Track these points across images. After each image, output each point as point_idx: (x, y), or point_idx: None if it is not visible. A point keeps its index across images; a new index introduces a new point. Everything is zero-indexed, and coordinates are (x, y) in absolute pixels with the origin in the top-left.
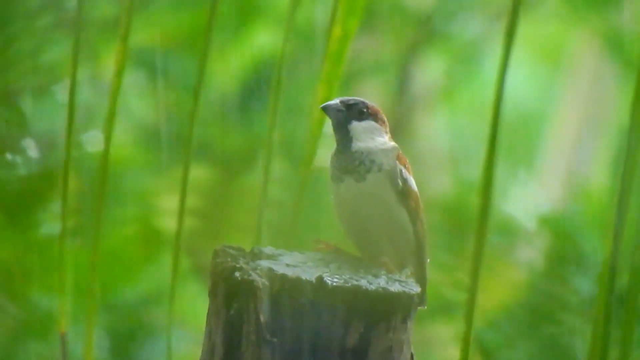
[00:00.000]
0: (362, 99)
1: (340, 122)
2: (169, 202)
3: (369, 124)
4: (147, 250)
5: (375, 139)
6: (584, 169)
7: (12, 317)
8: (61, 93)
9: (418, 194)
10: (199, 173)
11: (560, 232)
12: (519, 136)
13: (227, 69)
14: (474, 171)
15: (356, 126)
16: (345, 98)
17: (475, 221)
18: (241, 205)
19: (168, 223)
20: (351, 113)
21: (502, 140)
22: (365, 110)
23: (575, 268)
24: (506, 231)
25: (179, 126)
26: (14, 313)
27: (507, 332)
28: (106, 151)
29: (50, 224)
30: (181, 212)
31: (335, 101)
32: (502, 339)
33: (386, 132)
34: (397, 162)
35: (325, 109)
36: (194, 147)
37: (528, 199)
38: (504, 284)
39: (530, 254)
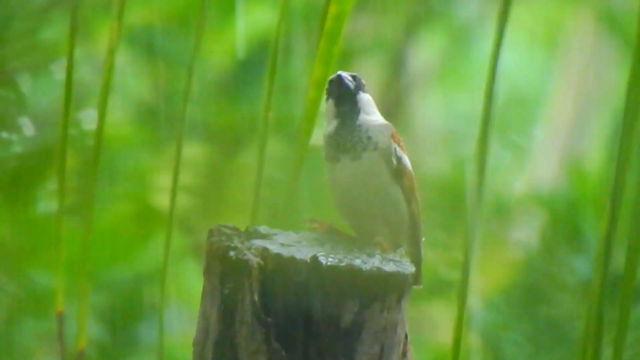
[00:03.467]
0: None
1: (351, 92)
2: (165, 180)
3: (369, 96)
4: (143, 229)
5: (375, 112)
6: (580, 148)
7: (9, 295)
8: (58, 71)
9: (412, 172)
10: (196, 151)
11: (556, 211)
12: (515, 116)
13: (225, 47)
14: (470, 150)
15: (362, 97)
16: (347, 72)
17: (470, 200)
18: (239, 183)
19: (165, 201)
20: (356, 84)
21: (498, 120)
22: (364, 83)
23: (572, 248)
24: (502, 211)
25: (175, 104)
26: (10, 291)
27: (505, 313)
28: (100, 129)
29: (47, 201)
30: (174, 191)
31: (345, 73)
32: (500, 320)
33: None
34: (392, 140)
35: (340, 78)
36: (193, 125)
37: (524, 179)
38: (502, 265)
39: (527, 234)
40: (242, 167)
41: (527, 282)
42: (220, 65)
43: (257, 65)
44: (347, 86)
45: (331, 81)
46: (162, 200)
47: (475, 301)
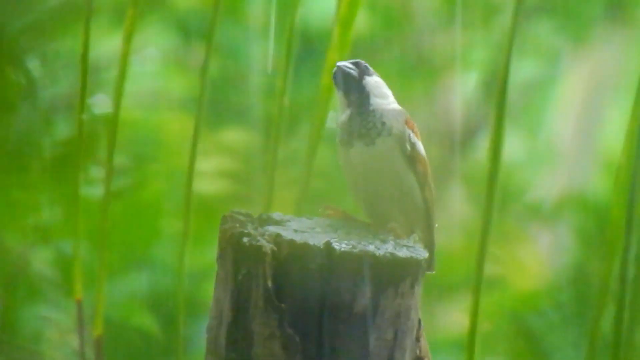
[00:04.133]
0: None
1: (355, 79)
2: (208, 165)
3: (377, 78)
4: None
5: (386, 93)
6: (596, 139)
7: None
8: (70, 56)
9: (426, 159)
10: (243, 137)
11: (590, 210)
12: (527, 105)
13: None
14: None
15: (369, 81)
16: (347, 61)
17: (485, 186)
18: (284, 171)
19: (206, 187)
20: (360, 70)
21: (509, 108)
22: (367, 66)
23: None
24: (539, 212)
25: (220, 90)
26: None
27: (550, 317)
28: (116, 114)
29: (94, 185)
30: (189, 178)
31: (344, 62)
32: (545, 324)
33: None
34: (406, 126)
35: (340, 68)
36: (242, 111)
37: (558, 177)
38: (543, 268)
39: (566, 235)
40: (289, 154)
41: (570, 285)
42: (270, 52)
43: (309, 55)
44: (349, 74)
45: (334, 74)
46: (204, 186)
47: (521, 305)
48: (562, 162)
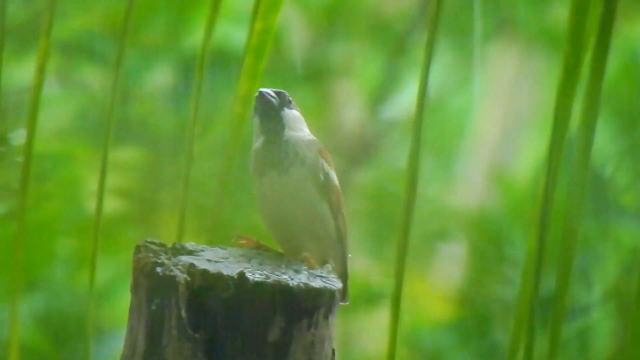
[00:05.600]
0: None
1: (275, 108)
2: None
3: (296, 113)
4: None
5: (302, 129)
6: (507, 164)
7: None
8: None
9: (339, 188)
10: (139, 155)
11: (487, 229)
12: (441, 132)
13: (169, 54)
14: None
15: (287, 113)
16: (270, 89)
17: (401, 211)
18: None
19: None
20: (281, 101)
21: (427, 134)
22: (290, 100)
23: (503, 267)
24: (443, 232)
25: (115, 110)
26: None
27: (452, 336)
28: (29, 144)
29: None
30: (101, 194)
31: (267, 89)
32: (447, 344)
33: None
34: (319, 155)
35: (262, 94)
36: (137, 128)
37: (454, 196)
38: (446, 286)
39: (461, 252)
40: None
41: (466, 303)
42: (166, 70)
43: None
44: (269, 102)
45: (255, 98)
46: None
47: (423, 324)
48: (461, 182)
